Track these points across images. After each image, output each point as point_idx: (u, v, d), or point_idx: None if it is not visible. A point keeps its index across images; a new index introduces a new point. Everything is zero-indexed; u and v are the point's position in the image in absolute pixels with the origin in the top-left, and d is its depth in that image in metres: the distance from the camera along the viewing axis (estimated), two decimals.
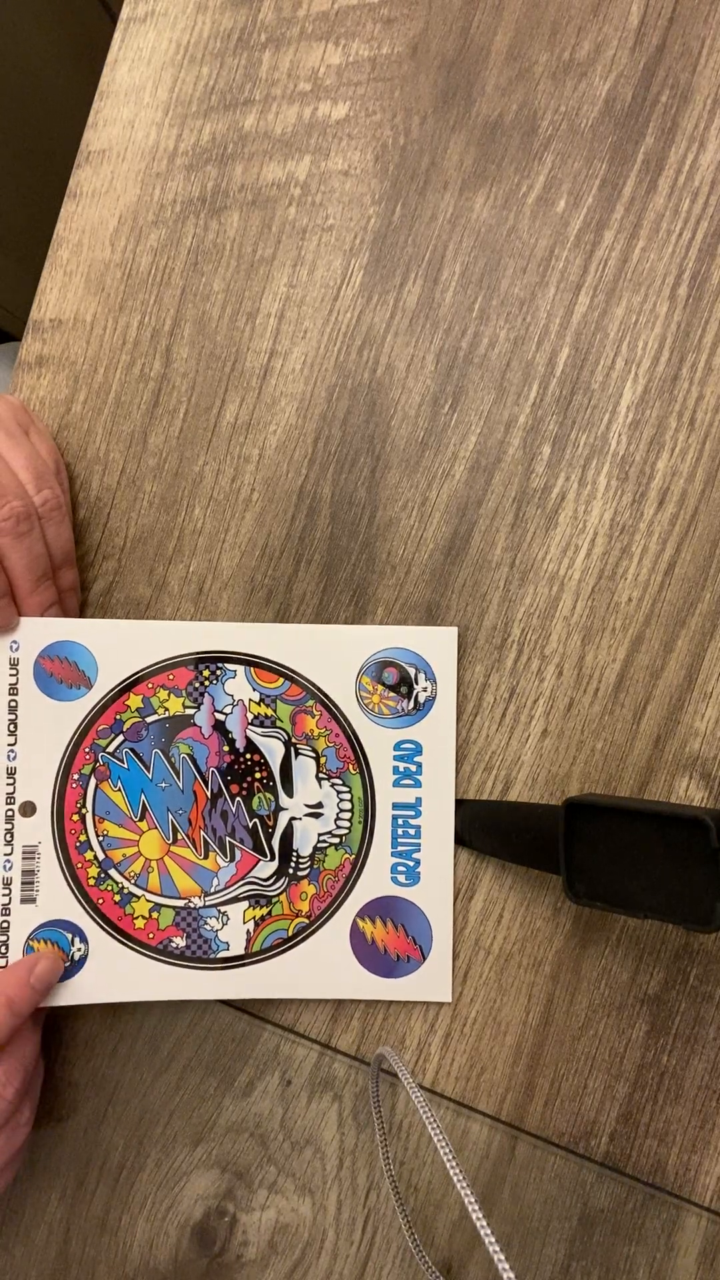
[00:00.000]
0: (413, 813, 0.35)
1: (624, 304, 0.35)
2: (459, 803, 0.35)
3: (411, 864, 0.35)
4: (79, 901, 0.35)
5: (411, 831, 0.35)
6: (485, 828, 0.34)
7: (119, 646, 0.35)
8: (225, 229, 0.37)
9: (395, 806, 0.35)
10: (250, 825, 0.35)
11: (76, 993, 0.34)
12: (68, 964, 0.34)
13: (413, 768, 0.35)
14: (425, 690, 0.35)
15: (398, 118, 0.36)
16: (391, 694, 0.35)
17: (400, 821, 0.35)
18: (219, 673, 0.35)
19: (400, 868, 0.35)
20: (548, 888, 0.34)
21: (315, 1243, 0.35)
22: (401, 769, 0.35)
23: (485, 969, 0.35)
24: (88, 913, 0.35)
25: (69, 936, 0.34)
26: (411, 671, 0.35)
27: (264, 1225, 0.35)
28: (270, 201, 0.37)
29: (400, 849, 0.35)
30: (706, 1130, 0.33)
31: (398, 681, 0.35)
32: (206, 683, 0.35)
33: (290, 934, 0.35)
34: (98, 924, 0.34)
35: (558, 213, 0.35)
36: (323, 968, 0.35)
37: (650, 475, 0.35)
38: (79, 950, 0.34)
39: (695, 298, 0.35)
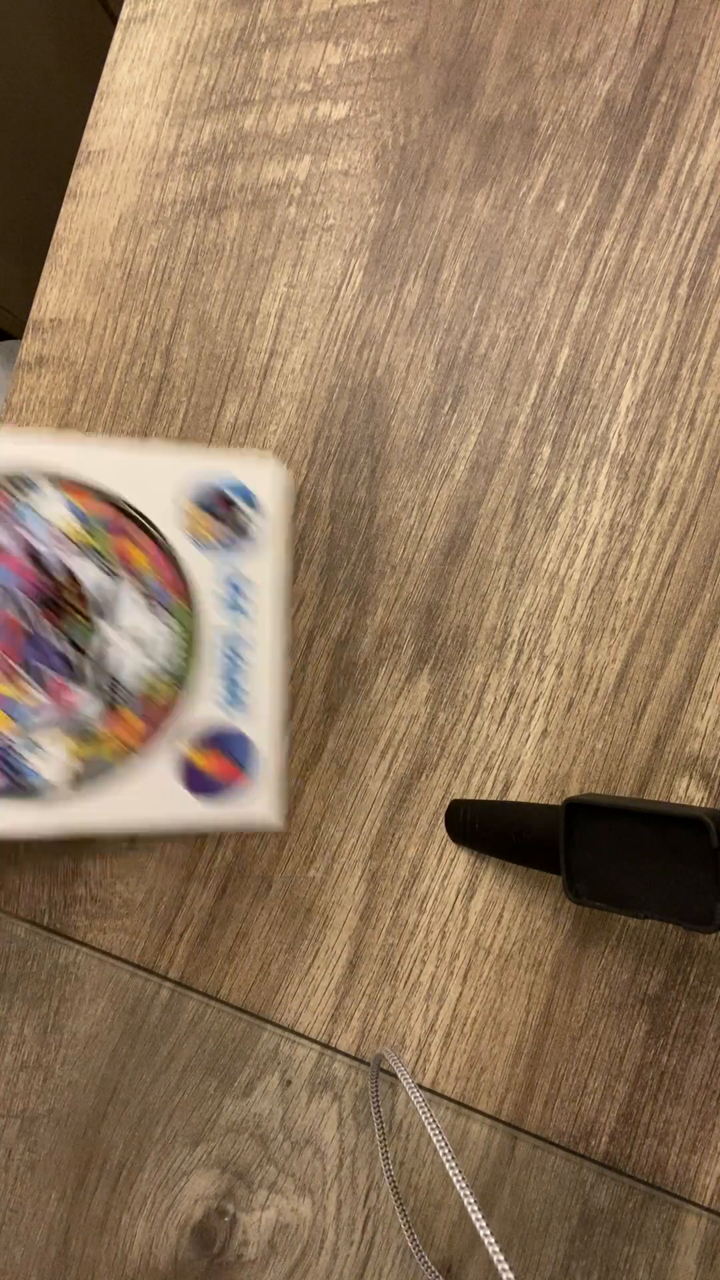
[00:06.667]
0: (240, 642, 0.34)
1: (624, 304, 0.35)
2: (458, 803, 0.35)
3: (238, 693, 0.34)
4: None
5: (239, 661, 0.34)
6: (485, 828, 0.34)
7: None
8: (225, 229, 0.37)
9: (222, 636, 0.34)
10: (69, 656, 0.33)
11: None
12: None
13: (240, 596, 0.34)
14: (252, 519, 0.34)
15: (398, 118, 0.36)
16: (217, 522, 0.33)
17: (228, 651, 0.34)
18: (29, 493, 0.33)
19: (227, 697, 0.34)
20: (548, 888, 0.34)
21: (315, 1243, 0.35)
22: (228, 598, 0.34)
23: (485, 969, 0.35)
24: None
25: None
26: (238, 499, 0.34)
27: (264, 1225, 0.35)
28: (270, 201, 0.37)
29: (227, 679, 0.34)
30: (706, 1130, 0.33)
31: (222, 508, 0.33)
32: (16, 504, 0.32)
33: (114, 766, 0.33)
34: None
35: (558, 213, 0.35)
36: (149, 797, 0.33)
37: (650, 475, 0.35)
38: None
39: (695, 298, 0.35)
